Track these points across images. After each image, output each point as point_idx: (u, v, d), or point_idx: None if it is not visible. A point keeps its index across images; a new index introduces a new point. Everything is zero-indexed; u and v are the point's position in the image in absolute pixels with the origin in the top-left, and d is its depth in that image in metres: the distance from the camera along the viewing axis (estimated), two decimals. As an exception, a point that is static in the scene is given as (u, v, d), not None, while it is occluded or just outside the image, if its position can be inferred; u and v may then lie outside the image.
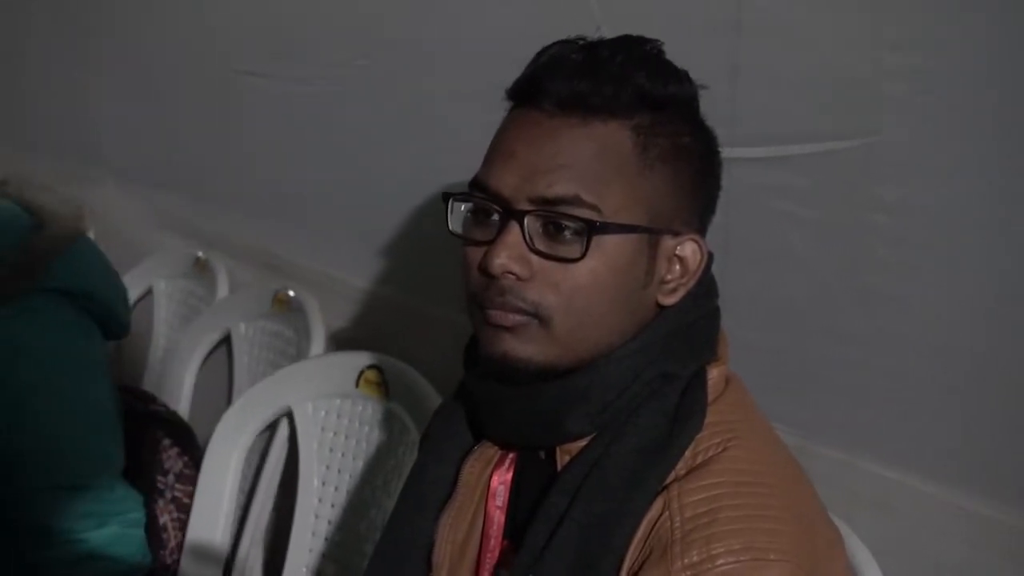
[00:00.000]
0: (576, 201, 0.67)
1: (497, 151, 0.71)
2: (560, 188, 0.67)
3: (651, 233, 0.69)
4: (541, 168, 0.68)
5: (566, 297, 0.69)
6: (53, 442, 1.24)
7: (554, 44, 0.71)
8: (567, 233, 0.67)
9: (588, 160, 0.68)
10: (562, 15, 0.92)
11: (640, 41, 0.71)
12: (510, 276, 0.69)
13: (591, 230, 0.66)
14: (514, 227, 0.68)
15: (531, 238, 0.68)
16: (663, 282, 0.71)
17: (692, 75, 0.71)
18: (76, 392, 1.25)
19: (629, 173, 0.68)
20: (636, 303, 0.71)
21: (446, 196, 0.73)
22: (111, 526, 1.22)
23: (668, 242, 0.71)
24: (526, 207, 0.68)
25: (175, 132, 1.84)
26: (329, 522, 1.30)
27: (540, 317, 0.69)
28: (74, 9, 2.02)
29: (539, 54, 0.71)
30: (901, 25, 0.81)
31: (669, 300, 0.72)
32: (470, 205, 0.73)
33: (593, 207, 0.67)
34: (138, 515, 1.26)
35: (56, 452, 1.23)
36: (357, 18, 1.32)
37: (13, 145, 1.69)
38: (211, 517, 1.36)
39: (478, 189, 0.70)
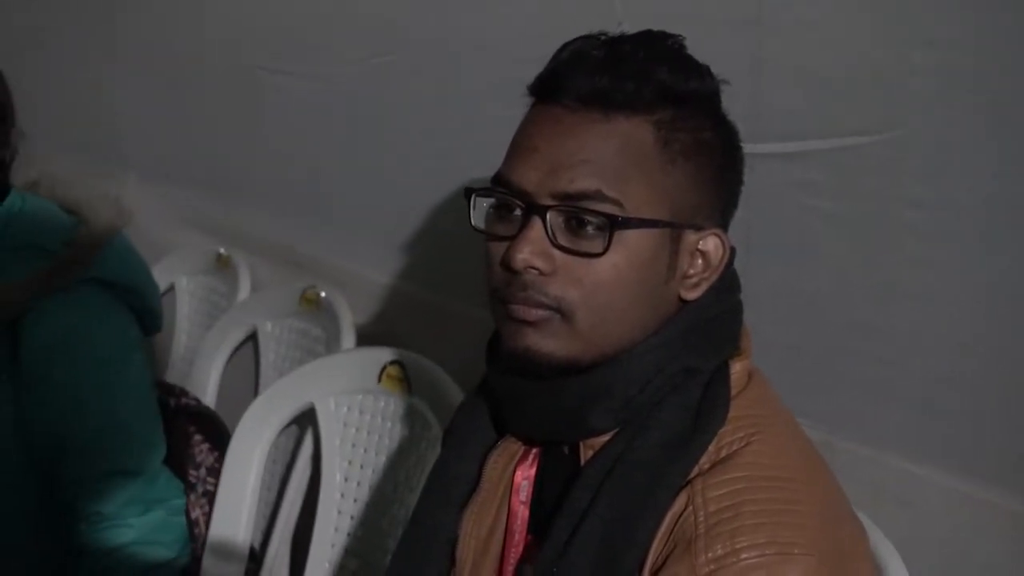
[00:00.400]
0: (598, 196, 0.67)
1: (519, 147, 0.71)
2: (582, 183, 0.68)
3: (673, 228, 0.70)
4: (563, 163, 0.68)
5: (588, 292, 0.69)
6: (103, 429, 1.26)
7: (576, 40, 0.71)
8: (589, 228, 0.68)
9: (610, 155, 0.69)
10: (584, 11, 0.93)
11: (662, 36, 0.71)
12: (532, 271, 0.69)
13: (613, 225, 0.66)
14: (536, 222, 0.69)
15: (553, 233, 0.68)
16: (685, 276, 0.72)
17: (714, 70, 0.71)
18: (124, 380, 1.29)
19: (651, 168, 0.68)
20: (658, 298, 0.71)
21: (468, 191, 0.74)
22: (156, 512, 1.25)
23: (690, 237, 0.71)
24: (548, 202, 0.68)
25: (198, 129, 1.86)
26: (352, 517, 1.31)
27: (562, 312, 0.70)
28: (97, 6, 2.04)
29: (560, 50, 0.71)
30: (926, 20, 0.81)
31: (691, 295, 0.72)
32: (492, 200, 0.73)
33: (615, 202, 0.67)
34: (180, 503, 1.30)
35: (105, 438, 1.26)
36: (381, 15, 1.34)
37: (36, 144, 1.70)
38: (234, 511, 1.37)
39: (500, 184, 0.71)
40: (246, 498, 1.36)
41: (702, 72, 0.72)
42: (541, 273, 0.70)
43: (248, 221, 1.82)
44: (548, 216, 0.69)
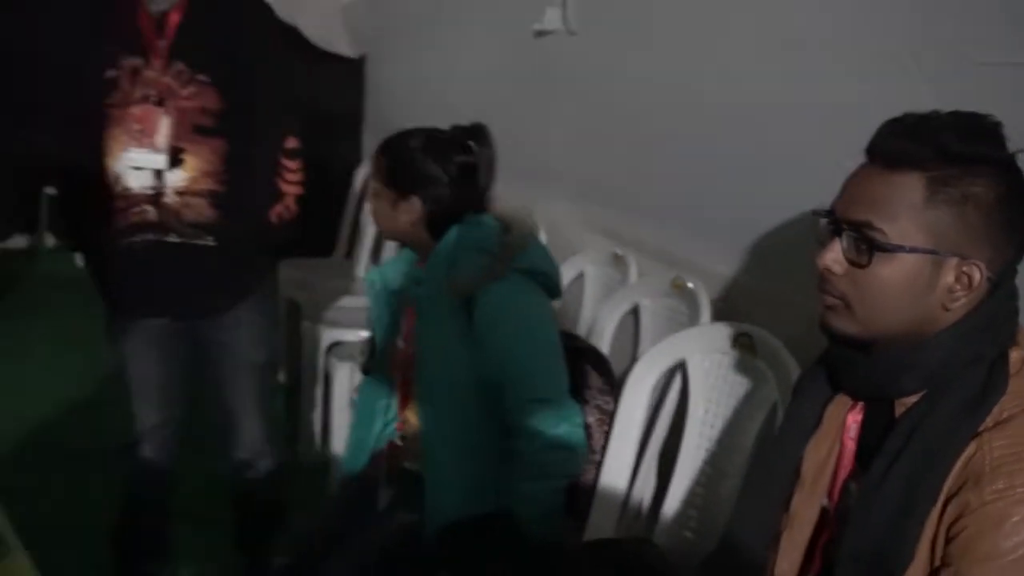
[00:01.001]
0: (868, 225, 0.79)
1: (843, 187, 0.85)
2: (859, 215, 0.80)
3: (933, 255, 0.78)
4: (855, 201, 0.81)
5: (860, 291, 0.82)
6: (529, 369, 1.51)
7: (906, 115, 0.81)
8: (862, 247, 0.80)
9: (883, 198, 0.79)
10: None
11: (972, 114, 0.79)
12: (830, 272, 0.83)
13: (872, 247, 0.79)
14: (836, 239, 0.82)
15: (845, 247, 0.81)
16: (949, 290, 0.79)
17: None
18: (543, 334, 1.51)
19: (916, 210, 0.78)
20: (922, 302, 0.80)
21: (814, 213, 0.88)
22: (564, 426, 1.47)
23: (952, 263, 0.78)
24: (843, 227, 0.81)
25: (602, 160, 2.19)
26: (708, 440, 1.50)
27: (846, 302, 0.83)
28: (540, 62, 2.44)
29: (884, 123, 0.81)
30: None
31: (953, 305, 0.79)
32: (823, 221, 0.86)
33: (880, 231, 0.78)
34: (580, 419, 1.52)
35: (530, 376, 1.51)
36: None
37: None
38: (628, 434, 1.59)
39: (826, 211, 0.85)
40: (636, 423, 1.58)
41: (993, 142, 0.78)
42: (834, 274, 0.83)
43: (636, 228, 2.07)
44: (843, 235, 0.81)
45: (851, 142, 0.88)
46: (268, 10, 1.89)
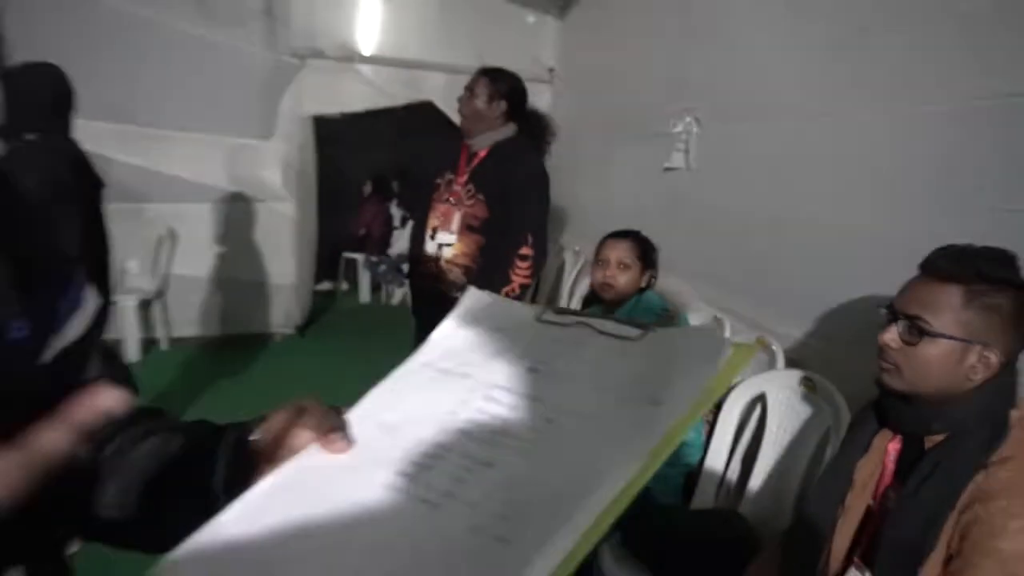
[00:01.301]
0: (919, 318, 0.82)
1: (903, 289, 0.87)
2: (913, 310, 0.83)
3: (964, 342, 0.79)
4: (911, 300, 0.85)
5: (909, 362, 0.84)
6: None
7: (950, 245, 0.82)
8: (914, 332, 0.82)
9: (933, 300, 0.82)
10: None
11: (998, 248, 0.80)
12: (888, 346, 0.85)
13: (922, 332, 0.82)
14: (893, 324, 0.85)
15: (900, 331, 0.83)
16: (972, 367, 0.80)
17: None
18: None
19: (955, 311, 0.80)
20: (951, 375, 0.81)
21: (883, 306, 0.88)
22: (691, 432, 1.46)
23: (977, 349, 0.80)
24: (900, 316, 0.85)
25: (711, 249, 2.15)
26: (777, 454, 1.49)
27: (897, 368, 0.85)
28: (668, 188, 2.38)
29: (936, 249, 0.84)
30: None
31: (974, 377, 0.80)
32: (885, 310, 0.88)
33: (926, 322, 0.81)
34: (700, 427, 1.55)
35: None
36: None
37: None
38: (721, 444, 1.61)
39: (887, 305, 0.88)
40: (729, 432, 1.62)
41: (1013, 269, 0.79)
42: (892, 348, 0.84)
43: (730, 300, 2.01)
44: (899, 322, 0.84)
45: (880, 256, 0.95)
46: (538, 167, 1.99)
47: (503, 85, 1.94)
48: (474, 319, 0.47)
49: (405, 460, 0.37)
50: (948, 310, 0.79)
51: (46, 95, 1.68)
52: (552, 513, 0.31)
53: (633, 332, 0.41)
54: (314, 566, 0.32)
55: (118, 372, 1.86)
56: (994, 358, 0.78)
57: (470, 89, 1.95)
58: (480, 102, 1.93)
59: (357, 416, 0.42)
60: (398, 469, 0.37)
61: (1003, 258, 0.80)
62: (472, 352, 0.44)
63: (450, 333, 0.47)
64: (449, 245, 1.94)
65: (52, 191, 1.59)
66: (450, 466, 0.36)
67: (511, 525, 0.32)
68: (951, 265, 0.80)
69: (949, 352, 0.79)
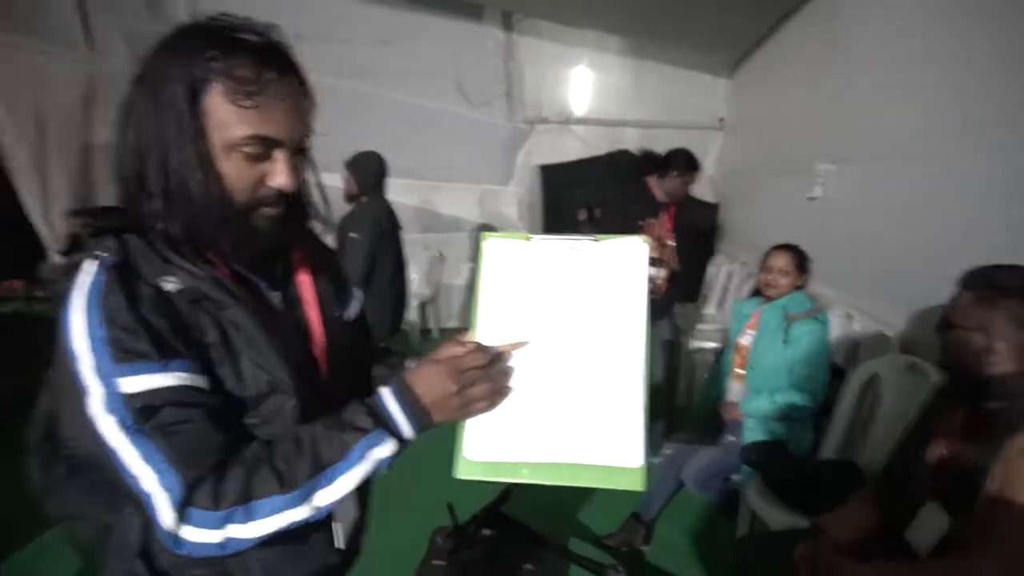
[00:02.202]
0: (975, 325, 0.97)
1: (954, 299, 1.01)
2: (961, 320, 0.99)
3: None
4: (960, 306, 1.01)
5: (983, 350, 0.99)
6: (813, 366, 1.74)
7: (983, 266, 0.96)
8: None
9: (976, 309, 0.97)
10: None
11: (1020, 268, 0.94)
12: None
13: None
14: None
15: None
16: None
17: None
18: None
19: (1004, 321, 0.95)
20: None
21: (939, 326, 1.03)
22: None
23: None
24: (953, 326, 1.00)
25: (846, 258, 2.29)
26: (888, 420, 1.67)
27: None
28: (811, 215, 2.59)
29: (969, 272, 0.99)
30: None
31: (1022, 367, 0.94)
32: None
33: (984, 326, 0.96)
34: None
35: (815, 369, 1.73)
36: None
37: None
38: (843, 408, 1.78)
39: (945, 324, 1.01)
40: (850, 402, 1.80)
41: None
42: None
43: (858, 299, 2.20)
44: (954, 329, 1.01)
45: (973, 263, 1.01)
46: (712, 207, 2.40)
47: None
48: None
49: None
50: (1000, 319, 0.92)
51: (374, 172, 2.16)
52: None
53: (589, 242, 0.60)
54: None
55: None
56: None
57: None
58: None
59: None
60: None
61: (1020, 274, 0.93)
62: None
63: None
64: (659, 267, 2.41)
65: (378, 235, 2.09)
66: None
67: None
68: (983, 283, 0.93)
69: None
